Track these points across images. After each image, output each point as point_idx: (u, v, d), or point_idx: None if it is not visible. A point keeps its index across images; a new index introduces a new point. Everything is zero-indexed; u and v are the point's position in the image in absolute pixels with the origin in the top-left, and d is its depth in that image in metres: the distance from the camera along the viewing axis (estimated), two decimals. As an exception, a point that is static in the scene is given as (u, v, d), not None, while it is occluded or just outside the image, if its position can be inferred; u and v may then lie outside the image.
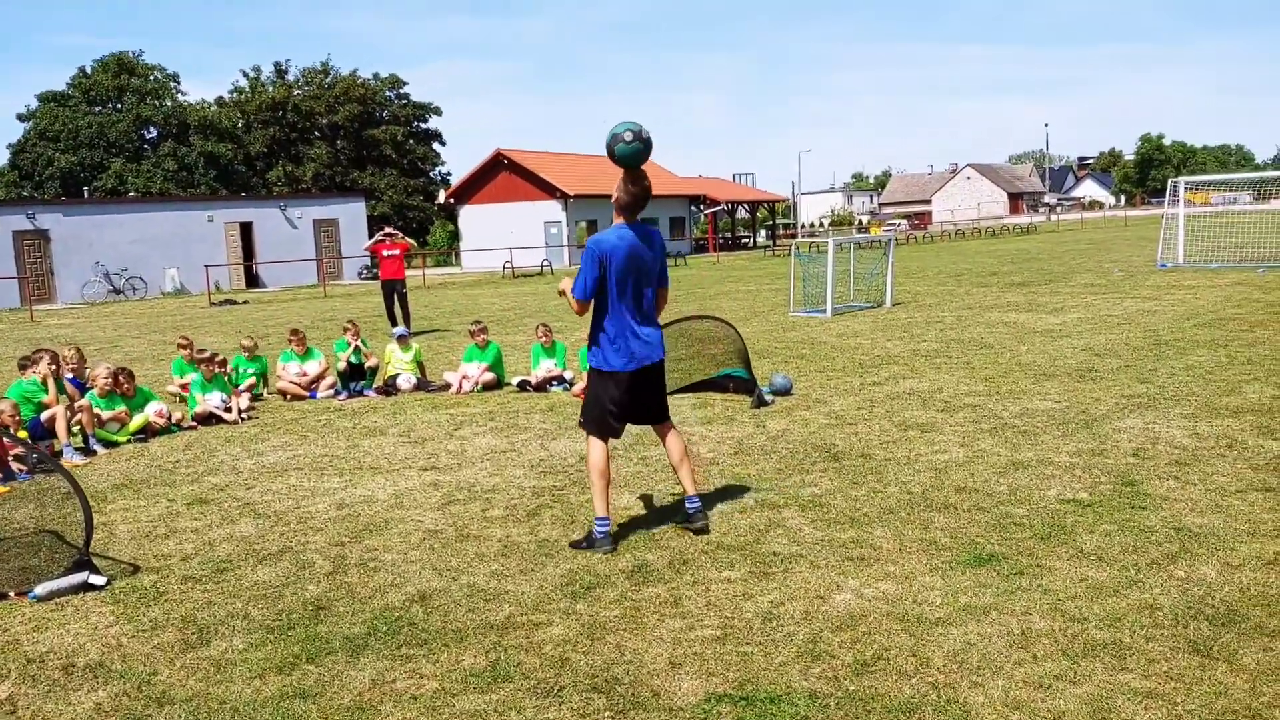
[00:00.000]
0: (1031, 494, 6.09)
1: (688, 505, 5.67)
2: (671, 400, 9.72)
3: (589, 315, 5.58)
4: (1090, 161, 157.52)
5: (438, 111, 70.38)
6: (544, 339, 11.21)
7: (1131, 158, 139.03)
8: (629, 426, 5.78)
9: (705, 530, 5.57)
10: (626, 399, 5.54)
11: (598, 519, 5.48)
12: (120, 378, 9.53)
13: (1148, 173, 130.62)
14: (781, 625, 4.36)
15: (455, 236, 56.97)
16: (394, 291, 17.37)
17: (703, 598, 4.71)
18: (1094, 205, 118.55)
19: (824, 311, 17.24)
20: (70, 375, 9.77)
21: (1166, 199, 27.04)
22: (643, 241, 5.45)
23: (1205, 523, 5.40)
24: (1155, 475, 6.35)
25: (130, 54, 62.42)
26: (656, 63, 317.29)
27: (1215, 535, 5.20)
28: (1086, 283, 21.16)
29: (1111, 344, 12.07)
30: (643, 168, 5.41)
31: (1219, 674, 3.73)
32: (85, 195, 53.83)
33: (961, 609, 4.43)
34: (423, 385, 11.38)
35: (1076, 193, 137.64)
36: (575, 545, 5.52)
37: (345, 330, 11.58)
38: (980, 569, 4.89)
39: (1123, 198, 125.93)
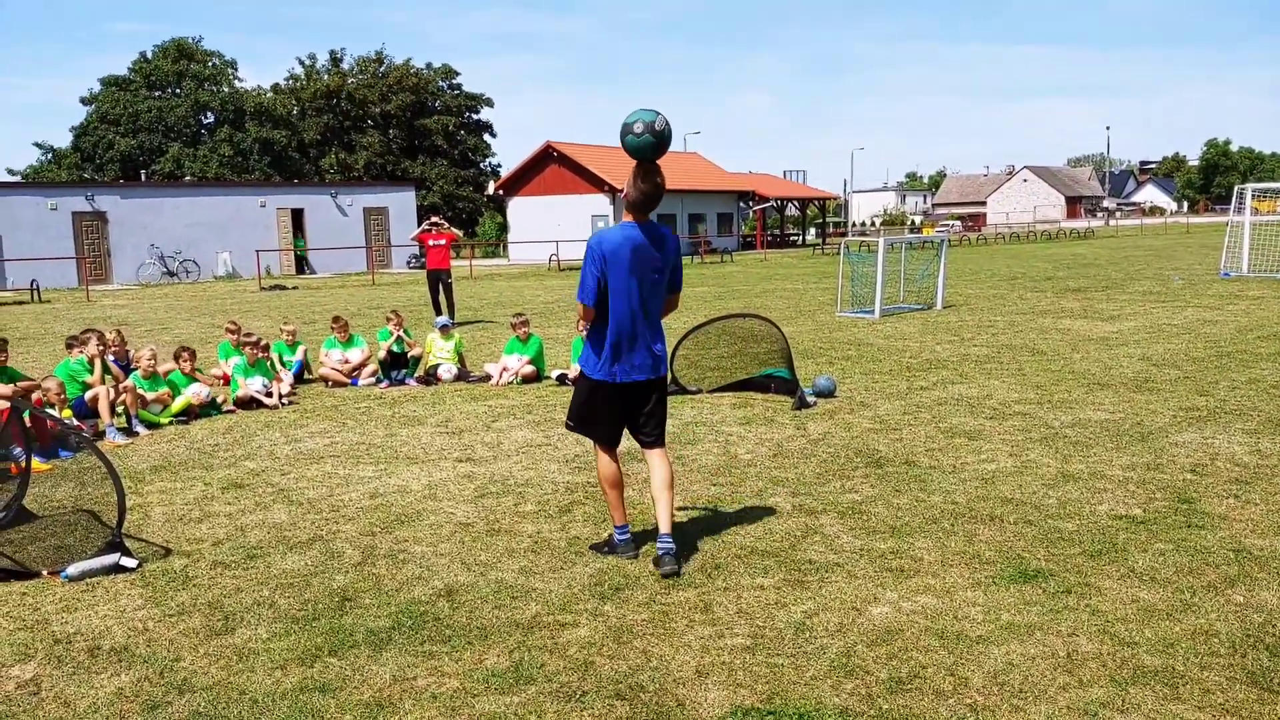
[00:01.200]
0: (1082, 508, 5.87)
1: (659, 545, 5.04)
2: (711, 399, 9.65)
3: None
4: (1152, 166, 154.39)
5: (489, 103, 70.64)
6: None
7: (1196, 163, 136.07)
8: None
9: (675, 574, 4.91)
10: (614, 409, 5.15)
11: (616, 528, 5.25)
12: (184, 355, 9.79)
13: (1212, 179, 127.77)
14: (814, 637, 4.21)
15: (503, 228, 57.16)
16: (439, 281, 17.39)
17: (734, 605, 4.57)
18: (1155, 211, 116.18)
19: (872, 312, 16.97)
20: (112, 357, 9.85)
21: (1232, 206, 26.33)
22: (651, 243, 4.97)
23: (1266, 545, 5.15)
24: (1214, 493, 6.09)
25: (190, 40, 63.37)
26: (707, 60, 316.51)
27: (1277, 559, 4.96)
28: (1145, 290, 20.65)
29: (1170, 354, 11.72)
30: (658, 163, 4.95)
31: (1279, 709, 3.52)
32: (143, 178, 54.76)
33: (1004, 627, 4.25)
34: (463, 376, 11.34)
35: (1137, 198, 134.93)
36: (595, 548, 5.34)
37: (388, 320, 11.57)
38: (1025, 586, 4.70)
39: (1185, 204, 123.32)
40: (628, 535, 5.24)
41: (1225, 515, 5.66)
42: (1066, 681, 3.76)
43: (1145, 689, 3.69)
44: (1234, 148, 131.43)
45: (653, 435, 5.22)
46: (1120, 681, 3.75)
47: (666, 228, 5.14)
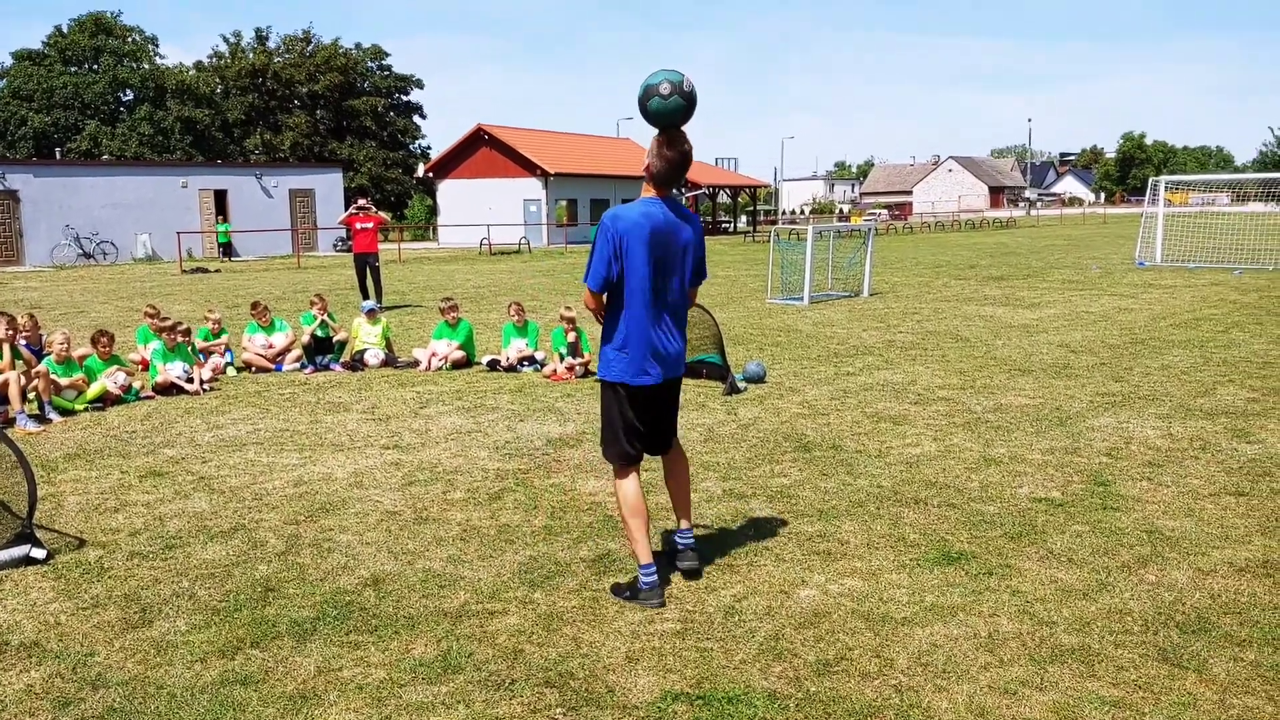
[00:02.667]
0: (1003, 491, 5.99)
1: (679, 539, 4.79)
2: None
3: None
4: (1072, 158, 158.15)
5: (419, 84, 69.78)
6: (516, 318, 11.03)
7: (1113, 156, 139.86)
8: None
9: (697, 574, 4.68)
10: (642, 417, 4.59)
11: (642, 567, 4.45)
12: (101, 340, 9.47)
13: (1128, 171, 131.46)
14: (743, 621, 4.24)
15: (433, 211, 56.49)
16: (367, 265, 17.12)
17: (664, 589, 4.57)
18: (1074, 202, 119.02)
19: (801, 299, 17.14)
20: (24, 341, 9.51)
21: (1146, 198, 27.12)
22: (674, 221, 4.45)
23: (1177, 526, 5.32)
24: (1128, 476, 6.27)
25: (108, 14, 61.42)
26: (640, 44, 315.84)
27: (1187, 539, 5.12)
28: (1065, 279, 21.16)
29: (1088, 341, 12.02)
30: (683, 129, 4.44)
31: (1188, 684, 3.64)
32: (58, 156, 52.96)
33: (928, 609, 4.32)
34: (390, 361, 11.19)
35: (1057, 189, 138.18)
36: (616, 592, 4.52)
37: (313, 304, 11.36)
38: (949, 568, 4.79)
39: (1103, 195, 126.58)
40: (655, 577, 4.44)
41: (1139, 497, 5.83)
42: (988, 661, 3.84)
43: (1063, 667, 3.78)
44: (1149, 141, 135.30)
45: (670, 435, 4.80)
46: (1039, 660, 3.84)
47: (691, 210, 4.68)
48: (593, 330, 11.65)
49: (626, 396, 4.53)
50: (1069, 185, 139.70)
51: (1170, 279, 20.39)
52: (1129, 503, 5.73)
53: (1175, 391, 8.87)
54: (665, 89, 4.31)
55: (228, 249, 39.00)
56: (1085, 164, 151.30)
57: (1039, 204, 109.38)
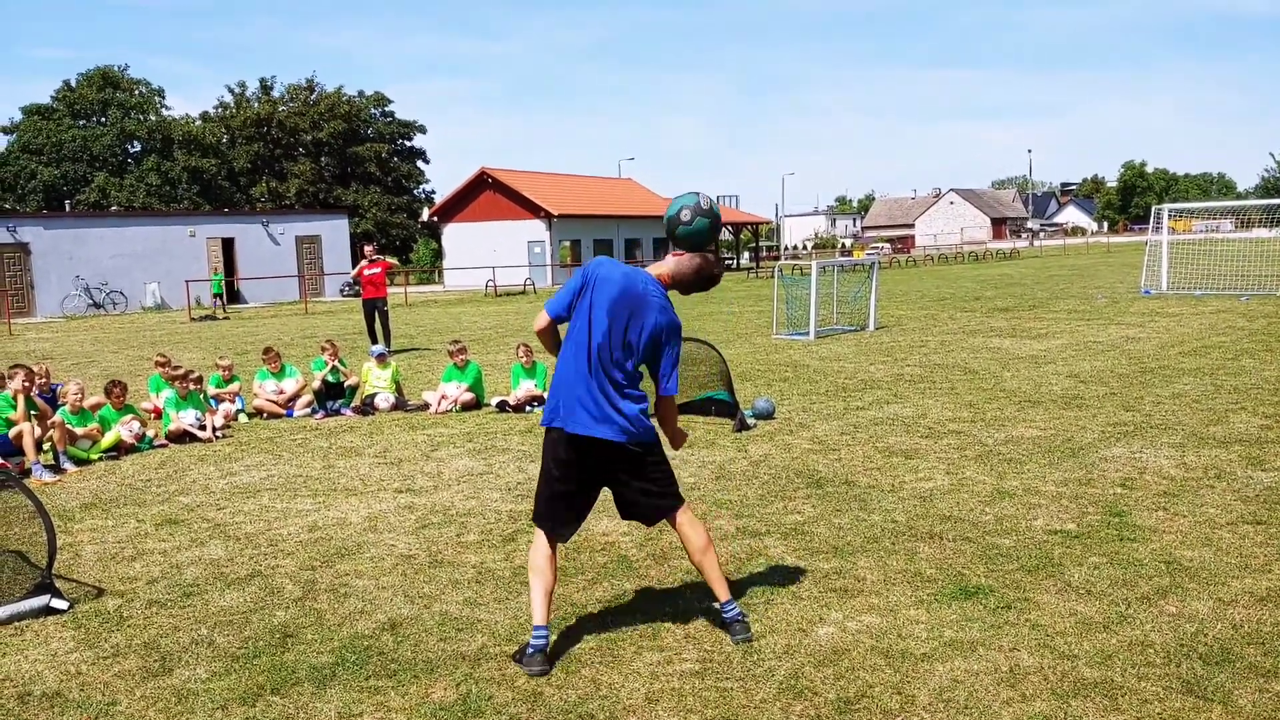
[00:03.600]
0: (1018, 524, 5.99)
1: (724, 613, 4.49)
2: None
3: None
4: (1073, 187, 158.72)
5: (422, 129, 70.40)
6: (525, 359, 11.08)
7: (1114, 184, 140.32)
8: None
9: (749, 640, 4.40)
10: (566, 473, 4.32)
11: (534, 627, 4.26)
12: (115, 390, 9.57)
13: (1130, 199, 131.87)
14: (762, 660, 4.23)
15: (438, 254, 56.79)
16: (375, 310, 17.24)
17: (681, 630, 4.57)
18: (1077, 231, 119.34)
19: (807, 334, 17.17)
20: (37, 391, 9.57)
21: (1150, 226, 27.18)
22: (659, 302, 4.32)
23: (1196, 556, 5.31)
24: (1143, 506, 6.26)
25: (115, 68, 62.19)
26: (638, 84, 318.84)
27: (1206, 569, 5.11)
28: (1070, 309, 21.19)
29: (1097, 371, 12.03)
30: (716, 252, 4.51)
31: (1214, 716, 3.63)
32: (67, 208, 53.44)
33: (947, 644, 4.31)
34: (400, 405, 11.23)
35: (1059, 219, 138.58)
36: (513, 656, 4.33)
37: (323, 349, 11.43)
38: (966, 602, 4.78)
39: (1105, 224, 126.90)
40: (542, 639, 4.23)
41: (1155, 528, 5.81)
42: (1010, 696, 3.83)
43: (1086, 701, 3.77)
44: (1150, 169, 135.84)
45: (658, 504, 4.46)
46: (1061, 694, 3.82)
47: (674, 316, 4.43)
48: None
49: (548, 444, 4.36)
50: (1071, 215, 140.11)
51: (1177, 307, 20.40)
52: (1146, 533, 5.72)
53: (1187, 420, 8.86)
54: (686, 215, 4.38)
55: (227, 297, 39.21)
56: (1087, 193, 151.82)
57: (1042, 234, 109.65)
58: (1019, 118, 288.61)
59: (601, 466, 4.35)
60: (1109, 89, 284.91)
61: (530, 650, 4.22)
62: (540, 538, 4.37)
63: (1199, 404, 9.60)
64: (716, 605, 4.53)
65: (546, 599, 4.28)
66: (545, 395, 10.69)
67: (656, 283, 4.39)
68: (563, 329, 4.39)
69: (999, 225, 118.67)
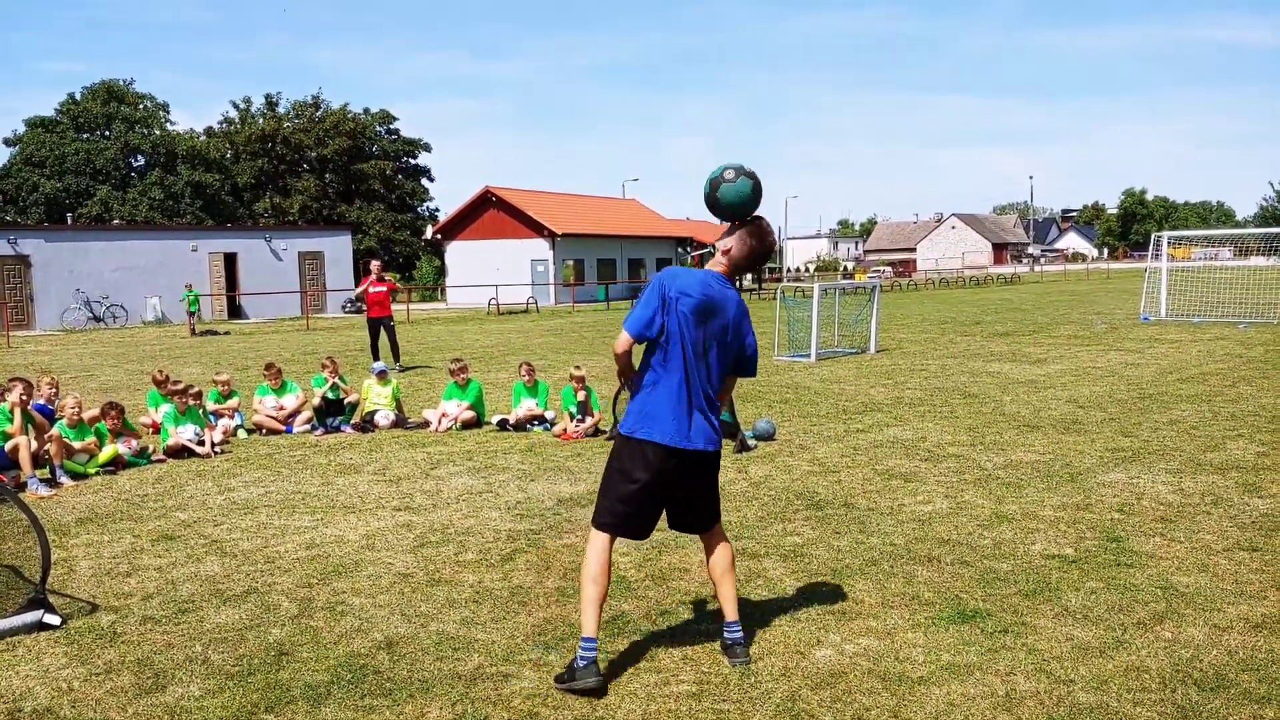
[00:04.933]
0: (1016, 548, 5.98)
1: (726, 634, 4.52)
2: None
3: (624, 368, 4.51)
4: (1074, 214, 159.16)
5: (427, 148, 70.67)
6: (526, 378, 11.09)
7: (1114, 211, 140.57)
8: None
9: (747, 662, 4.38)
10: (655, 480, 4.30)
11: (583, 639, 4.20)
12: (111, 414, 9.51)
13: (1130, 227, 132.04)
14: (759, 682, 4.22)
15: (441, 272, 56.90)
16: (381, 327, 17.33)
17: (679, 651, 4.56)
18: (1077, 257, 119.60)
19: (808, 356, 17.19)
20: (43, 402, 9.58)
21: (1149, 253, 27.26)
22: (731, 297, 4.37)
23: (1192, 582, 5.30)
24: (1141, 531, 6.25)
25: (120, 82, 62.50)
26: (643, 105, 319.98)
27: (1202, 595, 5.10)
28: (1070, 334, 21.21)
29: (1095, 396, 12.03)
30: (768, 223, 4.48)
31: (1209, 743, 3.61)
32: (69, 221, 53.57)
33: (944, 668, 4.30)
34: (401, 422, 11.22)
35: (1060, 244, 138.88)
36: (558, 681, 4.22)
37: (324, 366, 11.44)
38: (964, 626, 4.77)
39: (1105, 250, 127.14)
40: (593, 655, 4.16)
41: (1152, 553, 5.81)
42: (1006, 721, 3.81)
43: (1082, 727, 3.75)
44: (1150, 197, 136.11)
45: (716, 510, 4.57)
46: (1057, 719, 3.81)
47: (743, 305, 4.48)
48: (602, 390, 11.68)
49: (637, 453, 4.29)
50: (1071, 241, 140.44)
51: (1176, 334, 20.42)
52: (1143, 559, 5.71)
53: (1185, 446, 8.86)
54: (730, 175, 4.33)
55: (228, 312, 39.23)
56: (1087, 220, 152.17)
57: (1042, 260, 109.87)
58: (1021, 144, 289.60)
59: (686, 476, 4.35)
60: (1111, 116, 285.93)
61: (582, 664, 4.13)
62: (603, 542, 4.31)
63: (1196, 430, 9.60)
64: (723, 625, 4.52)
65: (600, 608, 4.24)
66: (546, 414, 10.76)
67: (723, 280, 4.37)
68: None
69: (1000, 250, 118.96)
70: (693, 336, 4.25)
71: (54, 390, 10.18)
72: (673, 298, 4.24)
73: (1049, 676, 4.18)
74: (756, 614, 5.00)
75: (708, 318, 4.27)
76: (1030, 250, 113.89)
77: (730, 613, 4.50)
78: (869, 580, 5.46)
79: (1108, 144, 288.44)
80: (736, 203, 4.34)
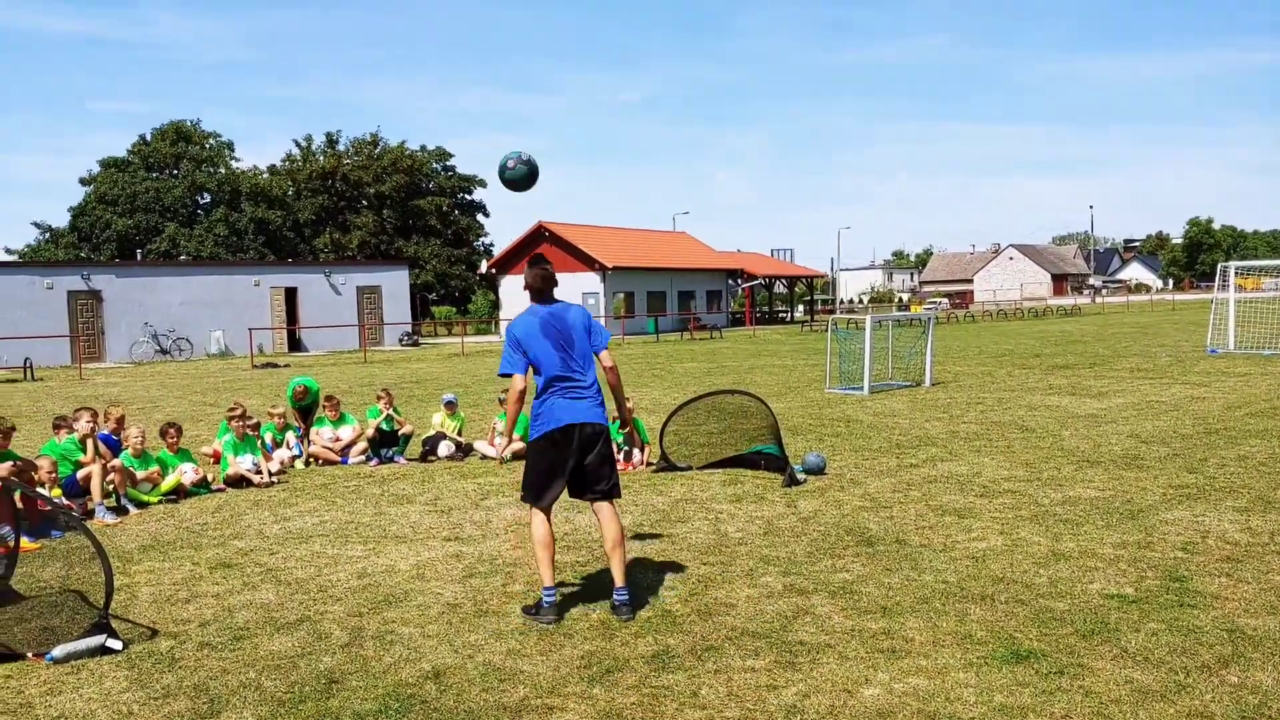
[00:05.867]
0: (1073, 587, 5.85)
1: (617, 596, 5.61)
2: (701, 476, 9.64)
3: (617, 380, 5.96)
4: (1137, 244, 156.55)
5: (482, 184, 71.62)
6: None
7: (1179, 241, 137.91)
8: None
9: (629, 619, 5.47)
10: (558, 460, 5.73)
11: (544, 589, 5.57)
12: (170, 432, 9.79)
13: (1196, 256, 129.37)
14: None
15: (495, 305, 57.55)
16: None
17: (724, 687, 4.53)
18: (1140, 288, 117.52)
19: (861, 389, 17.05)
20: (106, 432, 9.83)
21: (1216, 283, 26.66)
22: (560, 309, 5.79)
23: (1260, 625, 5.14)
24: (1205, 571, 6.09)
25: (188, 122, 64.35)
26: (692, 139, 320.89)
27: (1271, 639, 4.94)
28: (1133, 367, 20.80)
29: (1159, 431, 11.77)
30: (541, 258, 5.90)
31: (1274, 791, 3.49)
32: (138, 258, 55.10)
33: (997, 709, 4.22)
34: (464, 451, 11.33)
35: (1122, 275, 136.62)
36: (525, 611, 5.61)
37: (379, 398, 11.59)
38: (1018, 666, 4.67)
39: (1170, 281, 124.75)
40: (553, 597, 5.54)
41: (1218, 594, 5.65)
42: (1060, 764, 3.72)
43: (1140, 772, 3.65)
44: (1216, 226, 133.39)
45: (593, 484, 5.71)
46: (1114, 764, 3.71)
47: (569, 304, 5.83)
48: (650, 422, 11.69)
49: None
50: (1135, 271, 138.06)
51: (1244, 366, 19.92)
52: (1207, 600, 5.56)
53: (1254, 483, 8.62)
54: (512, 162, 5.91)
55: (288, 345, 39.93)
56: (1151, 250, 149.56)
57: (1104, 291, 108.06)
58: (1080, 173, 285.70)
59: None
60: (1173, 144, 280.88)
61: (545, 605, 5.49)
62: (538, 517, 5.64)
63: (1266, 467, 9.34)
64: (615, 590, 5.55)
65: (552, 563, 5.59)
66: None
67: (541, 308, 5.74)
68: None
69: (1060, 281, 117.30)
70: (546, 346, 5.60)
71: (119, 424, 10.43)
72: (519, 338, 5.62)
73: None
74: (804, 652, 4.95)
75: (553, 329, 5.64)
76: (1091, 281, 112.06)
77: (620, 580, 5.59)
78: (920, 618, 5.39)
79: (1171, 172, 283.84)
80: (516, 182, 5.97)
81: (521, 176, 5.90)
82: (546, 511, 5.63)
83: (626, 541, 5.81)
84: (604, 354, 5.75)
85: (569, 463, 5.58)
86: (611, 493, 5.68)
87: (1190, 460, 9.80)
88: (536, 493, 5.63)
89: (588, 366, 5.65)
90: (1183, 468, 9.42)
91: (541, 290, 5.73)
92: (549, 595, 5.50)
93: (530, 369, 5.62)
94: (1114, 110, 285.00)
